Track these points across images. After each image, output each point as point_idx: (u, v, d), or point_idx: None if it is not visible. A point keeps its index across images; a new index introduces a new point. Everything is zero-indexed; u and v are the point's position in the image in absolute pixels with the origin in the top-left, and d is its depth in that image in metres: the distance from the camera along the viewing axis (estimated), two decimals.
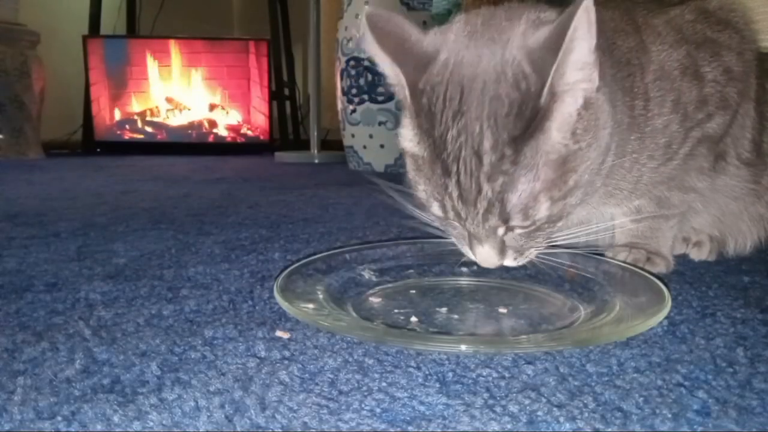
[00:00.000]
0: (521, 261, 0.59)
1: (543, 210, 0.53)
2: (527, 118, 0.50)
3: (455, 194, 0.54)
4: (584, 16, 0.47)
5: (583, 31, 0.48)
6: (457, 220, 0.56)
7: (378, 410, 0.40)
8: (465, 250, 0.60)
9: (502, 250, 0.57)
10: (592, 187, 0.57)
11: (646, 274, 0.63)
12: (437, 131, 0.53)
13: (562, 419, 0.39)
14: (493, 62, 0.52)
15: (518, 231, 0.56)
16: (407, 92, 0.55)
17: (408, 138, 0.58)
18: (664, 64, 0.68)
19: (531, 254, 0.59)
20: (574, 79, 0.50)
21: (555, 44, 0.48)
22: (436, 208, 0.57)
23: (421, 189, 0.58)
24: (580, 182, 0.54)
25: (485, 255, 0.58)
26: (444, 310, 0.62)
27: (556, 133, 0.51)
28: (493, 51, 0.53)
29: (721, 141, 0.74)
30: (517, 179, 0.51)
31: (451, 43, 0.55)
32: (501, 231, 0.56)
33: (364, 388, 0.43)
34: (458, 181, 0.53)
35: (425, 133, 0.54)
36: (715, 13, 0.74)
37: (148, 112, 3.27)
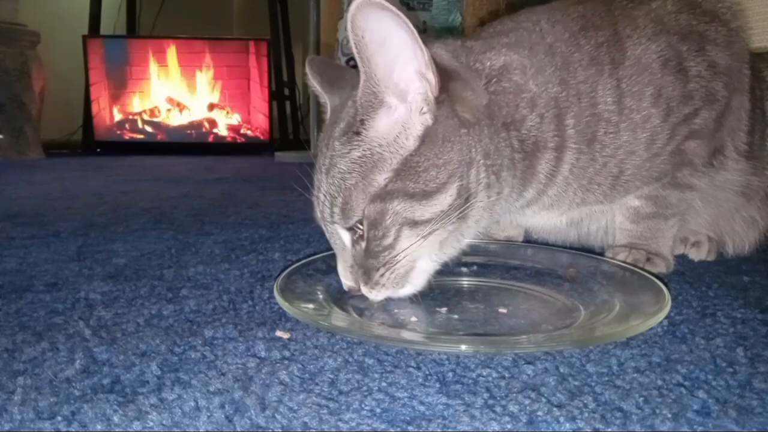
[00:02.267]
0: (379, 290, 0.60)
1: (358, 207, 0.57)
2: (351, 117, 0.58)
3: (315, 190, 0.62)
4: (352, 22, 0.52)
5: (374, 42, 0.53)
6: (320, 220, 0.62)
7: (378, 410, 0.40)
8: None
9: (353, 267, 0.60)
10: (468, 199, 0.59)
11: (646, 274, 0.63)
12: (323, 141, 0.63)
13: (562, 419, 0.39)
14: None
15: (362, 245, 0.59)
16: (329, 115, 0.66)
17: None
18: (641, 57, 0.67)
19: (385, 281, 0.59)
20: (392, 84, 0.56)
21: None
22: (315, 211, 0.62)
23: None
24: (408, 189, 0.56)
25: (339, 271, 0.62)
26: (444, 310, 0.62)
27: (371, 131, 0.57)
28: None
29: (713, 136, 0.73)
30: (341, 172, 0.57)
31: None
32: (347, 239, 0.60)
33: (364, 388, 0.43)
34: (318, 178, 0.61)
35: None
36: (701, 4, 0.73)
37: (148, 112, 3.27)
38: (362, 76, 0.55)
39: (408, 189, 0.56)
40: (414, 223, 0.57)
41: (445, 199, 0.57)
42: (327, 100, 0.67)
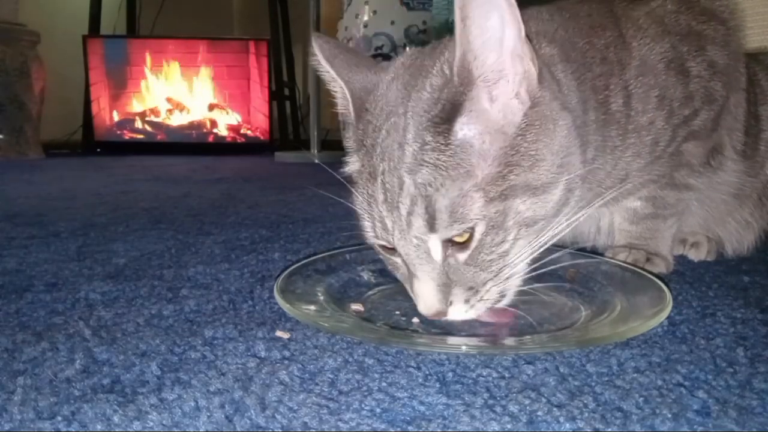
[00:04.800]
0: (478, 308, 0.51)
1: (475, 208, 0.48)
2: (446, 101, 0.48)
3: (380, 197, 0.50)
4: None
5: (478, 10, 0.46)
6: (384, 235, 0.51)
7: (378, 410, 0.40)
8: (410, 293, 0.54)
9: (446, 285, 0.50)
10: (570, 193, 0.53)
11: (647, 274, 0.63)
12: (370, 137, 0.52)
13: (562, 419, 0.39)
14: (424, 70, 0.52)
15: (461, 256, 0.50)
16: (351, 105, 0.55)
17: (350, 160, 0.57)
18: (647, 59, 0.66)
19: (490, 295, 0.51)
20: (493, 61, 0.48)
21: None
22: (367, 227, 0.53)
23: (357, 209, 0.54)
24: (530, 182, 0.49)
25: (424, 294, 0.50)
26: None
27: (481, 119, 0.48)
28: (429, 62, 0.53)
29: (710, 137, 0.72)
30: (439, 168, 0.48)
31: (398, 65, 0.56)
32: (437, 252, 0.50)
33: (364, 388, 0.43)
34: (383, 182, 0.50)
35: (360, 142, 0.53)
36: (699, 2, 0.72)
37: (148, 112, 3.27)
38: (458, 54, 0.48)
39: (530, 182, 0.49)
40: (534, 222, 0.51)
41: (556, 194, 0.51)
42: (343, 85, 0.57)
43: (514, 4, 0.47)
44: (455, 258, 0.50)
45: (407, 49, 0.63)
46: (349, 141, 0.57)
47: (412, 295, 0.54)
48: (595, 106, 0.61)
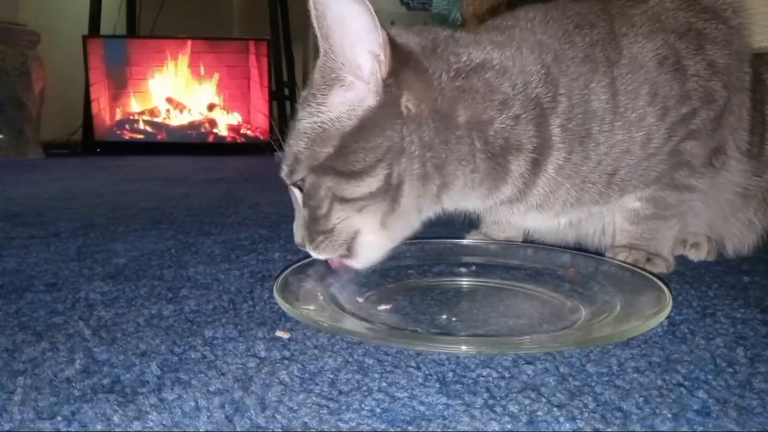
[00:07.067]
0: (320, 254, 0.64)
1: (299, 173, 0.62)
2: (312, 85, 0.62)
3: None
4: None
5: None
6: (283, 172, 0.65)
7: (378, 410, 0.40)
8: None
9: (305, 227, 0.64)
10: (397, 187, 0.61)
11: (647, 274, 0.63)
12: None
13: (562, 419, 0.39)
14: None
15: (304, 209, 0.63)
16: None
17: None
18: (637, 56, 0.67)
19: (325, 246, 0.63)
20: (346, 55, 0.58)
21: None
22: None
23: None
24: (336, 166, 0.59)
25: (294, 227, 0.66)
26: (444, 310, 0.61)
27: (323, 106, 0.60)
28: None
29: (711, 137, 0.72)
30: (294, 132, 0.62)
31: None
32: (300, 199, 0.64)
33: (364, 388, 0.43)
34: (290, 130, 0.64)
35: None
36: (701, 1, 0.72)
37: (148, 112, 3.27)
38: (321, 52, 0.59)
39: (338, 167, 0.60)
40: (343, 200, 0.61)
41: (372, 183, 0.60)
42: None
43: (371, 13, 0.56)
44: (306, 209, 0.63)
45: None
46: None
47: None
48: (560, 106, 0.65)
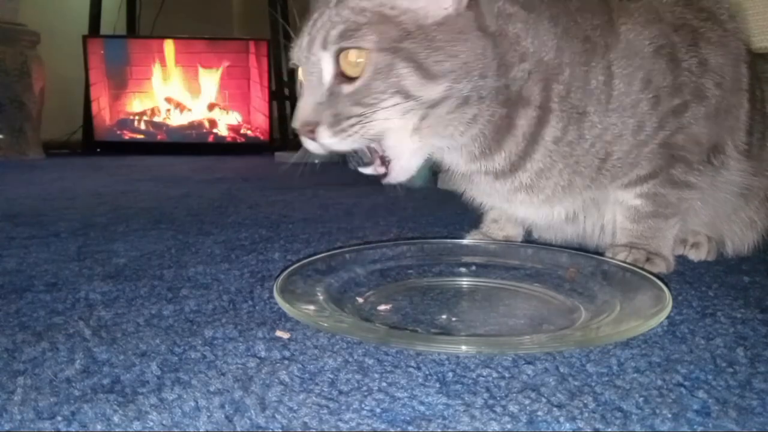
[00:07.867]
0: (341, 140, 0.60)
1: (364, 38, 0.58)
2: None
3: (309, 24, 0.63)
4: None
5: None
6: (297, 54, 0.63)
7: (378, 410, 0.40)
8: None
9: (321, 106, 0.60)
10: (458, 105, 0.61)
11: (647, 274, 0.63)
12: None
13: (562, 419, 0.39)
14: None
15: (346, 89, 0.59)
16: None
17: None
18: (634, 42, 0.69)
19: (355, 131, 0.60)
20: None
21: None
22: (294, 49, 0.64)
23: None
24: (417, 56, 0.58)
25: (301, 106, 0.61)
26: (444, 310, 0.61)
27: None
28: None
29: (705, 133, 0.73)
30: (352, 3, 0.60)
31: None
32: (328, 74, 0.60)
33: (364, 388, 0.43)
34: (319, 11, 0.62)
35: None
36: (699, 0, 0.74)
37: (148, 112, 3.27)
38: None
39: (419, 57, 0.59)
40: (407, 95, 0.59)
41: (434, 89, 0.60)
42: None
43: None
44: (341, 88, 0.60)
45: None
46: None
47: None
48: (563, 75, 0.67)
